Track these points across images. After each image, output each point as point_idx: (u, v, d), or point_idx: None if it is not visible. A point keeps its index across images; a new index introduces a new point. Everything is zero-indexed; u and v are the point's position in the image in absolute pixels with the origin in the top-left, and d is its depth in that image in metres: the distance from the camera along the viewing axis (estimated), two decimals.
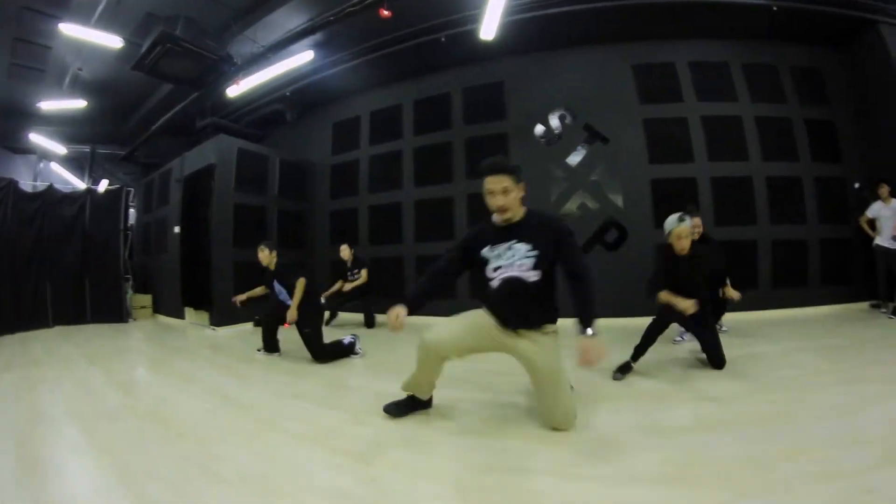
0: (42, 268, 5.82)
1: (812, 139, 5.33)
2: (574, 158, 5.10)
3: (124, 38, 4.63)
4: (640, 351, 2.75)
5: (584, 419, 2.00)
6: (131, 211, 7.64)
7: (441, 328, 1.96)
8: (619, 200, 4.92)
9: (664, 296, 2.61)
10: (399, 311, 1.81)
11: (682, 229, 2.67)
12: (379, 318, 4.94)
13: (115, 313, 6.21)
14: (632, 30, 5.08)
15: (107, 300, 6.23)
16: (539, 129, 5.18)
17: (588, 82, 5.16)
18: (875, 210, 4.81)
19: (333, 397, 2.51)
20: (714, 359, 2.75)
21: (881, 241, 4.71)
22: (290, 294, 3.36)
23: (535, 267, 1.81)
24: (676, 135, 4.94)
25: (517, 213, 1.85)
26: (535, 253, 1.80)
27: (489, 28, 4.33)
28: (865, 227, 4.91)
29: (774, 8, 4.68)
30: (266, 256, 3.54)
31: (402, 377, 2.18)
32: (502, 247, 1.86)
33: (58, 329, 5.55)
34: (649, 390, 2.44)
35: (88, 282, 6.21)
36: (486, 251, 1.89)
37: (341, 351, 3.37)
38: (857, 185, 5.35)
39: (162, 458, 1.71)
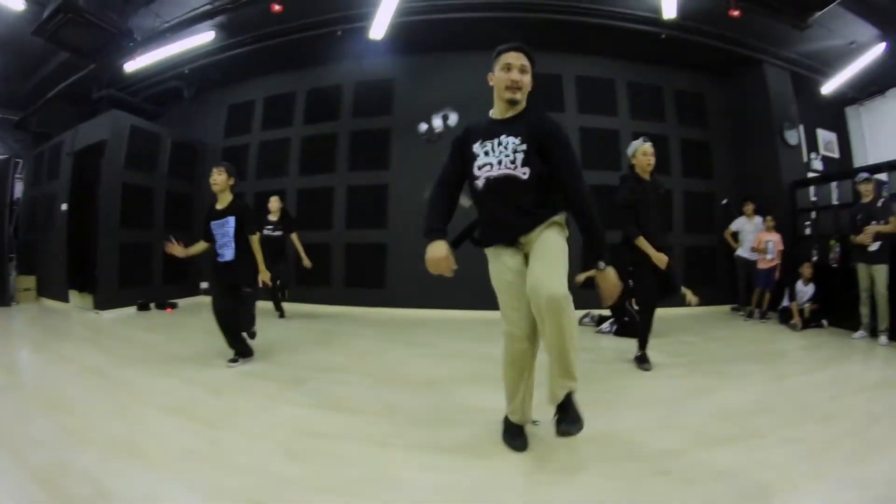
0: None
1: (686, 157, 5.86)
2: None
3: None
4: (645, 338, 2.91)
5: (401, 398, 2.30)
6: (18, 184, 7.30)
7: (508, 313, 1.66)
8: None
9: (643, 243, 2.49)
10: (434, 250, 1.58)
11: (647, 146, 2.79)
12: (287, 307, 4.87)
13: None
14: (524, 40, 5.33)
15: None
16: (422, 126, 5.39)
17: (475, 86, 5.28)
18: (739, 224, 5.38)
19: (197, 373, 2.73)
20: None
21: (742, 252, 5.28)
22: (236, 244, 2.84)
23: (525, 163, 1.56)
24: None
25: (522, 103, 1.68)
26: (524, 147, 1.57)
27: (379, 28, 4.50)
28: (729, 239, 5.47)
29: (662, 36, 5.10)
30: (224, 181, 2.82)
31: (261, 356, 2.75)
32: (493, 142, 1.63)
33: None
34: (484, 374, 2.66)
35: None
36: (476, 146, 1.68)
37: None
38: (724, 201, 5.91)
39: (42, 429, 1.87)
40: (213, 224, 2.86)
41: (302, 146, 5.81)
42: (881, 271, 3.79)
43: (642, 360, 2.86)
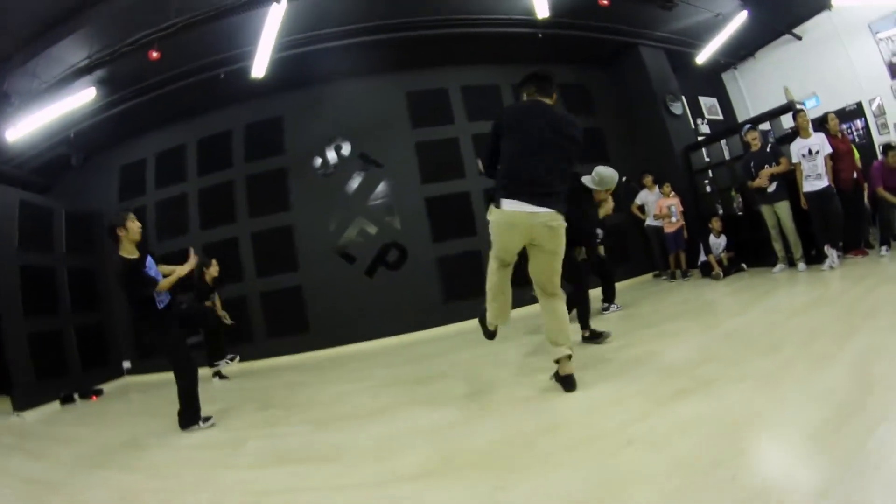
0: None
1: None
2: (351, 186, 5.51)
3: None
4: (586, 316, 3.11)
5: (345, 437, 2.29)
6: None
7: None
8: (396, 222, 5.39)
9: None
10: None
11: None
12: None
13: None
14: (406, 60, 5.57)
15: None
16: (317, 161, 5.51)
17: (363, 111, 5.59)
18: (642, 197, 5.86)
19: (132, 459, 2.61)
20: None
21: (650, 221, 5.74)
22: None
23: None
24: (448, 154, 5.52)
25: None
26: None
27: (260, 66, 4.51)
28: (636, 212, 5.90)
29: (540, 35, 5.36)
30: (135, 229, 2.74)
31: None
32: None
33: None
34: (423, 395, 2.79)
35: None
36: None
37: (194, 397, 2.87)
38: (624, 178, 6.03)
39: None
40: (147, 270, 2.73)
41: (200, 199, 5.71)
42: (783, 208, 4.21)
43: (596, 336, 2.99)
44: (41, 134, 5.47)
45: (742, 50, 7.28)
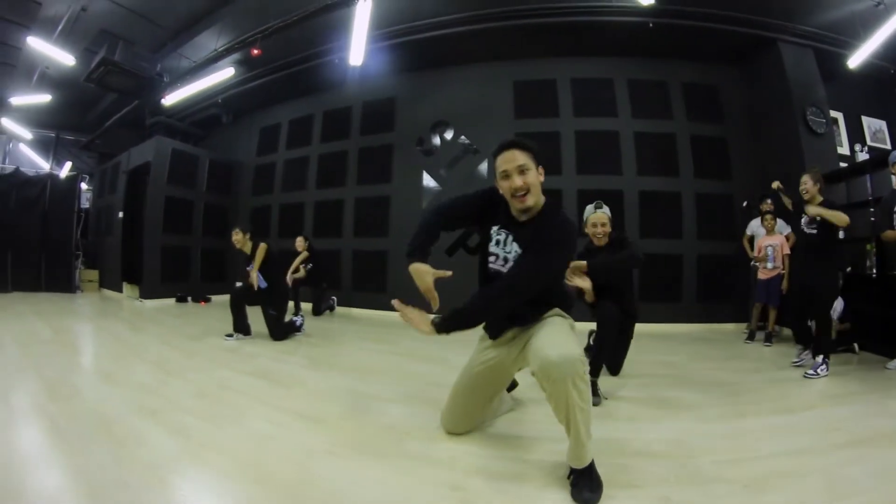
0: (5, 241, 7.59)
1: (697, 155, 5.89)
2: (448, 168, 6.28)
3: (84, 48, 6.29)
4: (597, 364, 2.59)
5: (309, 376, 2.95)
6: (88, 195, 9.37)
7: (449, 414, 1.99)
8: None
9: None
10: (418, 267, 1.76)
11: (598, 216, 2.77)
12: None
13: (66, 284, 7.92)
14: (516, 49, 6.04)
15: (59, 273, 7.96)
16: (420, 140, 6.39)
17: (469, 98, 6.27)
18: (753, 227, 5.00)
19: (183, 343, 3.82)
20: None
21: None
22: (265, 278, 3.95)
23: None
24: (545, 149, 5.93)
25: (537, 204, 1.68)
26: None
27: (356, 55, 5.29)
28: (746, 246, 5.05)
29: (650, 25, 5.26)
30: (240, 239, 3.96)
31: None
32: (505, 236, 1.75)
33: (15, 294, 7.34)
34: (395, 367, 3.28)
35: (44, 256, 7.96)
36: (494, 229, 1.79)
37: (292, 329, 4.22)
38: (745, 203, 5.58)
39: (68, 367, 3.00)
40: (248, 267, 4.04)
41: (319, 163, 7.16)
42: None
43: (594, 392, 2.42)
44: (195, 98, 7.21)
45: None
